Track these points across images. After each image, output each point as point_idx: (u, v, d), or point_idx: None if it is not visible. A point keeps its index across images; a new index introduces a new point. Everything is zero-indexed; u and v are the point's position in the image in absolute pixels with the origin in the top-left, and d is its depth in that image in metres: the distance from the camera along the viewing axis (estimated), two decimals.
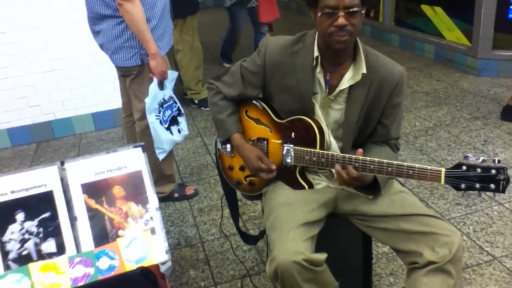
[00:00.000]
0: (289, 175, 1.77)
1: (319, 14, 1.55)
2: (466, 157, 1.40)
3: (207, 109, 4.44)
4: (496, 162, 1.36)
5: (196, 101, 4.64)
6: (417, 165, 1.47)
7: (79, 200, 1.67)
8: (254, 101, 1.85)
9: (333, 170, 1.61)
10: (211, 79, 1.91)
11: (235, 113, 1.87)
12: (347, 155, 1.59)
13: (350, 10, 1.51)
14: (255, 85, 1.80)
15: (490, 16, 4.46)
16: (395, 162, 1.51)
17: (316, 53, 1.65)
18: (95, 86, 4.20)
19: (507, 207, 2.65)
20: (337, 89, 1.67)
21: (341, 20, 1.51)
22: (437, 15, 5.32)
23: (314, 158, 1.67)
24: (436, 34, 5.36)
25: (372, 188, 1.66)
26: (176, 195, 3.03)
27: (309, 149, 1.68)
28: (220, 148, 1.95)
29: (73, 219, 1.65)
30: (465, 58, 4.82)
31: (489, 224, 2.54)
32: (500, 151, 3.25)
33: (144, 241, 1.66)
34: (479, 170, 1.37)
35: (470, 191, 1.41)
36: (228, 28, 5.43)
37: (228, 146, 1.90)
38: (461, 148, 3.34)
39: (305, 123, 1.69)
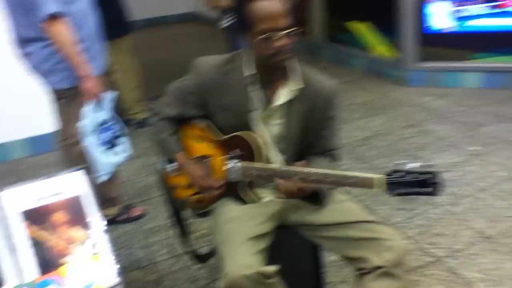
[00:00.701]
0: (233, 191, 1.78)
1: (257, 38, 1.55)
2: (401, 163, 1.45)
3: (148, 128, 4.38)
4: (430, 167, 1.42)
5: (136, 121, 4.56)
6: (351, 173, 1.52)
7: (19, 228, 1.59)
8: (195, 120, 1.84)
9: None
10: (150, 99, 1.90)
11: (176, 132, 1.86)
12: (287, 167, 1.62)
13: (288, 31, 1.53)
14: (193, 104, 1.79)
15: (410, 31, 4.73)
16: (331, 172, 1.55)
17: (250, 71, 1.68)
18: (29, 109, 3.98)
19: (448, 209, 2.77)
20: (274, 105, 1.70)
21: (283, 41, 1.54)
22: (366, 30, 5.56)
23: (257, 173, 1.68)
24: (366, 48, 5.58)
25: (316, 197, 1.69)
26: (122, 217, 2.95)
27: (251, 165, 1.69)
28: (162, 168, 1.93)
29: (12, 249, 1.56)
30: (394, 70, 5.05)
31: (430, 226, 2.64)
32: (435, 156, 3.41)
33: (90, 266, 1.60)
34: (414, 175, 1.43)
35: (407, 196, 1.46)
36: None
37: (171, 165, 1.88)
38: (398, 155, 3.47)
39: (243, 140, 1.71)
